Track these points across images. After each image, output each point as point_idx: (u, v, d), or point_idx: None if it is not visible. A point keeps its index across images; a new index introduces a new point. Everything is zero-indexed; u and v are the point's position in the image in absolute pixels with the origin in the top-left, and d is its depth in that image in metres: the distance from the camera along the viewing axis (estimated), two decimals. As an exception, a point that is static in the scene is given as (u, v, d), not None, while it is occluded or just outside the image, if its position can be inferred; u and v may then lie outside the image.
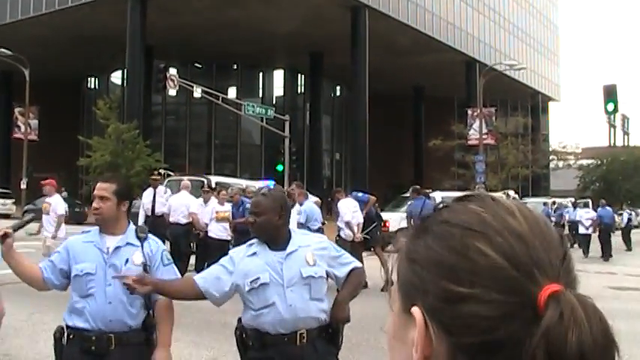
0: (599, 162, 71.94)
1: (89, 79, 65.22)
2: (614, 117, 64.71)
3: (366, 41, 45.16)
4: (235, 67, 60.04)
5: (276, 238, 4.15)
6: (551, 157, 66.73)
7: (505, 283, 0.86)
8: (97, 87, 64.34)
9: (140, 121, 40.88)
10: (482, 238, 0.89)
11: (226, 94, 46.64)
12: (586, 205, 32.91)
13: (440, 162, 50.60)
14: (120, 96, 46.14)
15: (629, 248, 31.12)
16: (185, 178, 21.63)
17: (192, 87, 40.18)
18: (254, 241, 4.27)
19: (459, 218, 0.93)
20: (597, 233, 27.86)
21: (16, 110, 50.45)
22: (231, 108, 41.19)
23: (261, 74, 61.35)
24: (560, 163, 69.49)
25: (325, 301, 4.19)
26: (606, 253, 26.89)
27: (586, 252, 27.25)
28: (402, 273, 0.96)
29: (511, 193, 34.76)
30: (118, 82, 59.31)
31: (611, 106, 31.30)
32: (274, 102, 57.48)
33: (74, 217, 41.69)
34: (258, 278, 4.07)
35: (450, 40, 55.52)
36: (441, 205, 0.99)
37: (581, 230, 28.33)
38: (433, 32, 53.41)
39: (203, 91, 40.56)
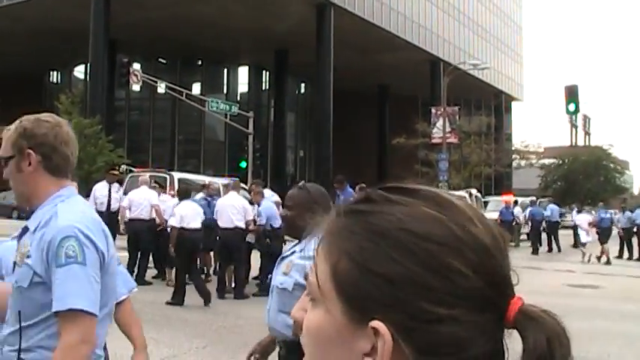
0: (560, 161, 72.58)
1: (51, 72, 64.49)
2: (576, 117, 65.47)
3: (331, 39, 45.21)
4: (200, 62, 59.77)
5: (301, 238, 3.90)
6: (513, 157, 67.29)
7: (482, 303, 0.87)
8: (59, 81, 63.65)
9: (103, 116, 40.52)
10: (460, 257, 0.87)
11: (190, 90, 46.44)
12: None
13: (404, 160, 50.77)
14: (82, 90, 45.71)
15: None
16: (147, 174, 21.49)
17: (156, 82, 39.99)
18: None
19: (426, 229, 0.88)
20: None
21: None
22: (195, 104, 41.02)
23: (225, 70, 61.12)
24: (523, 162, 70.06)
25: None
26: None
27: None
28: (350, 278, 0.89)
29: (473, 191, 35.02)
30: (81, 76, 58.78)
31: (572, 107, 31.81)
32: (239, 98, 57.33)
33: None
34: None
35: (414, 39, 55.77)
36: (374, 196, 0.96)
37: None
38: (398, 31, 53.61)
39: (167, 87, 40.35)
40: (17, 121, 2.98)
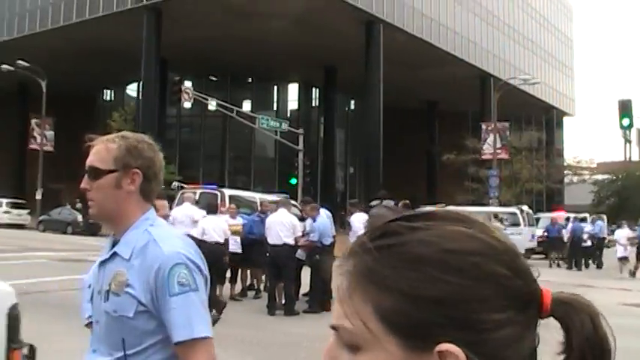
0: (614, 177, 71.55)
1: (105, 91, 65.58)
2: (630, 132, 64.36)
3: (380, 55, 45.25)
4: (250, 80, 60.23)
5: None
6: (565, 172, 66.55)
7: (525, 300, 0.92)
8: (112, 99, 64.68)
9: (155, 133, 40.98)
10: (499, 262, 0.92)
11: (241, 107, 46.83)
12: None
13: (453, 176, 50.53)
14: (135, 108, 46.46)
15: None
16: (198, 190, 21.71)
17: (207, 100, 40.42)
18: None
19: (461, 245, 0.91)
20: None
21: (33, 121, 50.88)
22: (246, 121, 41.33)
23: (275, 87, 61.52)
24: (575, 178, 69.25)
25: None
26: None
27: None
28: (401, 311, 0.89)
29: (524, 207, 34.69)
30: (134, 94, 59.64)
31: (626, 121, 31.34)
32: (288, 115, 57.64)
33: (88, 229, 42.04)
34: None
35: (464, 55, 55.56)
36: (394, 228, 0.96)
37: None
38: (447, 46, 53.47)
39: (218, 104, 40.76)
40: (119, 136, 2.94)
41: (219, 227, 14.66)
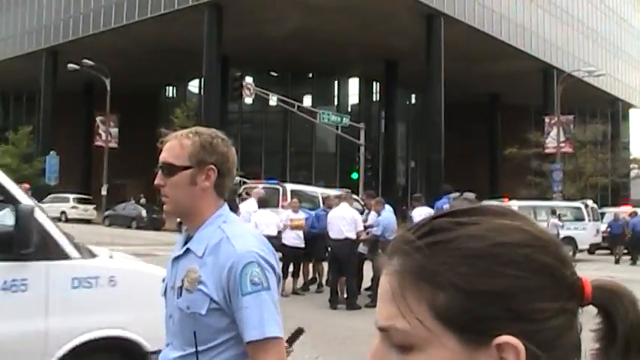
0: (681, 170, 70.05)
1: (167, 88, 66.41)
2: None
3: (441, 48, 44.94)
4: (310, 75, 60.36)
5: None
6: (631, 166, 65.21)
7: (571, 289, 0.94)
8: (174, 96, 65.43)
9: (216, 129, 41.36)
10: (547, 253, 0.94)
11: (301, 103, 46.94)
12: None
13: (516, 171, 49.95)
14: (197, 104, 46.96)
15: None
16: (260, 185, 21.87)
17: (268, 95, 40.62)
18: None
19: (512, 238, 0.93)
20: None
21: (98, 119, 51.82)
22: (307, 116, 41.43)
23: (336, 82, 61.55)
24: (642, 172, 67.87)
25: None
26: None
27: None
28: (458, 307, 0.90)
29: (589, 202, 34.15)
30: (195, 90, 60.32)
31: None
32: (349, 110, 57.67)
33: (152, 223, 42.69)
34: None
35: (526, 47, 54.83)
36: (441, 224, 0.96)
37: None
38: (509, 39, 52.85)
39: (278, 100, 40.97)
40: (193, 131, 2.94)
41: (272, 221, 14.79)
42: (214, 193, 2.87)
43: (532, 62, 55.49)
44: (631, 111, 77.18)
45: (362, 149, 39.17)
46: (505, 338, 0.88)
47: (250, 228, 3.09)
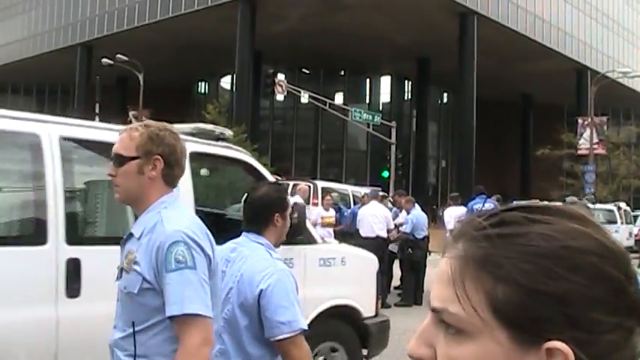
0: None
1: (199, 83, 66.67)
2: None
3: (474, 47, 44.74)
4: (342, 73, 60.33)
5: None
6: (666, 169, 64.51)
7: (633, 306, 0.91)
8: (206, 91, 65.67)
9: (248, 125, 41.60)
10: (614, 266, 0.91)
11: (333, 100, 46.98)
12: None
13: (548, 171, 49.59)
14: (229, 100, 47.04)
15: None
16: (291, 182, 21.92)
17: (300, 92, 40.70)
18: None
19: (581, 244, 0.91)
20: None
21: (130, 114, 51.72)
22: (338, 114, 41.48)
23: (367, 80, 61.47)
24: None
25: None
26: None
27: None
28: (516, 303, 0.89)
29: (622, 205, 33.87)
30: (227, 86, 60.48)
31: None
32: (381, 108, 57.55)
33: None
34: None
35: (560, 47, 54.42)
36: (512, 217, 0.95)
37: None
38: (543, 39, 52.47)
39: (310, 97, 41.04)
40: (142, 124, 3.09)
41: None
42: (162, 183, 3.00)
43: (566, 62, 55.07)
44: (666, 113, 76.30)
45: (393, 148, 39.13)
46: (556, 344, 0.87)
47: (189, 213, 3.15)
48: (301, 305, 5.15)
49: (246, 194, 3.76)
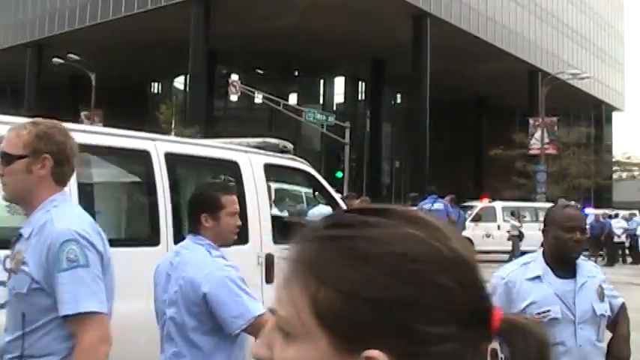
0: (664, 173, 70.53)
1: (153, 83, 66.19)
2: (681, 128, 63.37)
3: (428, 49, 45.05)
4: (296, 73, 60.33)
5: (565, 262, 3.50)
6: (614, 168, 65.70)
7: (472, 317, 0.87)
8: (160, 92, 65.25)
9: (202, 125, 41.33)
10: (447, 274, 0.87)
11: (287, 101, 46.92)
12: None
13: (501, 171, 50.13)
14: (182, 101, 46.83)
15: None
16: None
17: (254, 93, 40.56)
18: (528, 259, 3.64)
19: (410, 249, 0.87)
20: None
21: (82, 114, 51.44)
22: (292, 114, 41.41)
23: (322, 81, 61.55)
24: (624, 175, 68.35)
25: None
26: None
27: None
28: (335, 308, 0.86)
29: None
30: (181, 87, 60.10)
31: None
32: (335, 109, 57.64)
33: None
34: (548, 311, 3.44)
35: (512, 48, 55.04)
36: (348, 220, 0.92)
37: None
38: (495, 40, 53.02)
39: (264, 97, 40.90)
40: (30, 122, 3.02)
41: None
42: (52, 181, 2.95)
43: (518, 64, 55.70)
44: (614, 114, 77.67)
45: (347, 148, 39.17)
46: (374, 353, 0.83)
47: (79, 211, 3.10)
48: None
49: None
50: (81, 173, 4.93)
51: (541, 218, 29.80)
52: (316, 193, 7.25)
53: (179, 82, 61.54)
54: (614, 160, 66.08)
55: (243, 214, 5.50)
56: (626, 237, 31.64)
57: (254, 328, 3.33)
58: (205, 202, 3.61)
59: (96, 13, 49.97)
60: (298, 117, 40.73)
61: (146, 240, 5.44)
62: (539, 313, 3.35)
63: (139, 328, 4.96)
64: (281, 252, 5.82)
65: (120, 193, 5.86)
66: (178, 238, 5.23)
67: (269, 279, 6.06)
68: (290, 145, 7.44)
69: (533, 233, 26.57)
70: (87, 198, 5.05)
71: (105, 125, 50.86)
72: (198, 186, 3.71)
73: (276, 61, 54.38)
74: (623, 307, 3.69)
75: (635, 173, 68.08)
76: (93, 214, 3.23)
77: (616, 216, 34.62)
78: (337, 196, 7.14)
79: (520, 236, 28.35)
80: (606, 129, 73.40)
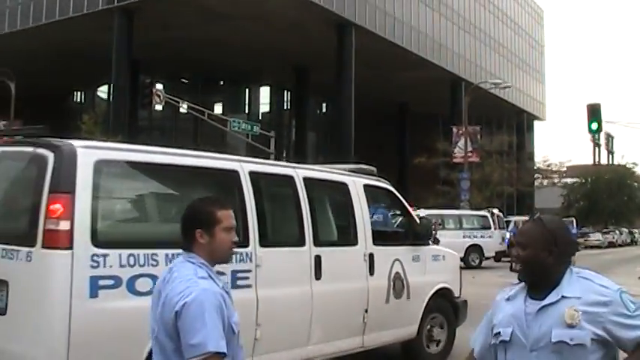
0: (583, 180, 72.22)
1: (75, 93, 65.13)
2: (599, 136, 65.14)
3: (352, 58, 45.34)
4: (222, 82, 60.07)
5: (540, 283, 3.15)
6: (535, 176, 67.06)
7: None
8: (82, 101, 64.26)
9: (125, 135, 40.74)
10: None
11: (212, 110, 46.63)
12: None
13: (424, 179, 50.64)
14: (105, 110, 46.09)
15: None
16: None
17: (179, 102, 40.14)
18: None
19: None
20: None
21: (1, 123, 50.21)
22: (217, 124, 41.13)
23: (247, 90, 61.43)
24: (545, 182, 69.80)
25: None
26: None
27: None
28: None
29: (495, 211, 34.89)
30: (104, 96, 59.30)
31: (595, 125, 31.37)
32: (260, 118, 57.61)
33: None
34: (499, 333, 3.20)
35: (435, 58, 55.77)
36: None
37: None
38: (419, 50, 53.65)
39: (189, 107, 40.52)
40: None
41: None
42: None
43: (440, 73, 56.47)
44: (535, 123, 79.35)
45: (272, 158, 39.07)
46: None
47: None
48: (426, 285, 9.20)
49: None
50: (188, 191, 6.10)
51: (465, 225, 30.04)
52: (394, 206, 9.82)
53: (102, 92, 60.71)
54: (535, 167, 67.40)
55: (353, 223, 8.18)
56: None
57: None
58: (201, 216, 3.34)
59: (15, 19, 48.90)
60: (223, 127, 40.47)
61: (296, 241, 7.28)
62: (495, 335, 3.19)
63: (291, 310, 7.06)
64: (378, 252, 8.25)
65: None
66: (316, 241, 7.36)
67: (372, 272, 8.23)
68: (375, 170, 9.73)
69: (456, 241, 27.01)
70: None
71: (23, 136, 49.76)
72: (191, 201, 3.46)
73: (201, 70, 54.08)
74: None
75: (555, 180, 69.60)
76: None
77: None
78: (409, 207, 9.77)
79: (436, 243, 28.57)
80: (528, 137, 74.92)
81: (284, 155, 53.82)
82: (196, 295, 3.09)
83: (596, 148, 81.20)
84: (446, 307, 9.61)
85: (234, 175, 6.72)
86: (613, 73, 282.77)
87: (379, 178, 9.57)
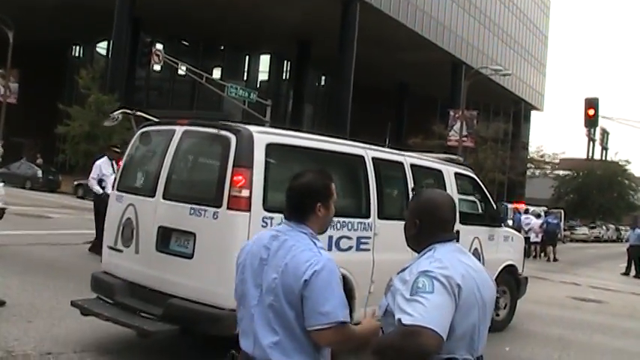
0: (575, 174, 72.31)
1: (74, 47, 64.70)
2: (594, 131, 65.09)
3: (355, 34, 45.17)
4: (222, 47, 59.79)
5: (415, 252, 3.26)
6: (528, 165, 67.10)
7: None
8: (81, 56, 63.86)
9: (122, 93, 40.57)
10: None
11: (211, 74, 46.44)
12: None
13: (418, 160, 50.57)
14: (104, 67, 45.81)
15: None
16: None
17: (177, 64, 39.96)
18: None
19: None
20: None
21: (-3, 72, 49.92)
22: (214, 88, 40.98)
23: (247, 57, 61.15)
24: (537, 172, 69.87)
25: None
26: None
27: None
28: None
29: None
30: (103, 52, 58.95)
31: (591, 117, 31.33)
32: (258, 86, 57.39)
33: (47, 185, 41.48)
34: None
35: (438, 40, 55.61)
36: None
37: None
38: (422, 30, 53.47)
39: (188, 69, 40.34)
40: None
41: None
42: None
43: (442, 55, 56.34)
44: (532, 112, 79.31)
45: (267, 126, 39.00)
46: None
47: None
48: (500, 261, 10.61)
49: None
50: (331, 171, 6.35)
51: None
52: (476, 191, 10.87)
53: (101, 48, 60.37)
54: (528, 157, 67.43)
55: None
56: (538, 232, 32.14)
57: (330, 334, 3.07)
58: (321, 190, 3.37)
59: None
60: (220, 92, 40.33)
61: (362, 214, 7.86)
62: None
63: (357, 270, 7.59)
64: (463, 230, 8.90)
65: (345, 183, 8.11)
66: (380, 214, 7.94)
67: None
68: (462, 159, 11.57)
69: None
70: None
71: (21, 85, 49.39)
72: (301, 173, 3.42)
73: (203, 33, 53.81)
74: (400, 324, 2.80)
75: (548, 171, 69.67)
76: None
77: (526, 212, 35.22)
78: (488, 193, 10.97)
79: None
80: (524, 127, 74.95)
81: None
82: (324, 264, 3.13)
83: (591, 143, 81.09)
84: (511, 282, 10.99)
85: (361, 159, 8.00)
86: (613, 71, 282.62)
87: (466, 167, 10.79)
